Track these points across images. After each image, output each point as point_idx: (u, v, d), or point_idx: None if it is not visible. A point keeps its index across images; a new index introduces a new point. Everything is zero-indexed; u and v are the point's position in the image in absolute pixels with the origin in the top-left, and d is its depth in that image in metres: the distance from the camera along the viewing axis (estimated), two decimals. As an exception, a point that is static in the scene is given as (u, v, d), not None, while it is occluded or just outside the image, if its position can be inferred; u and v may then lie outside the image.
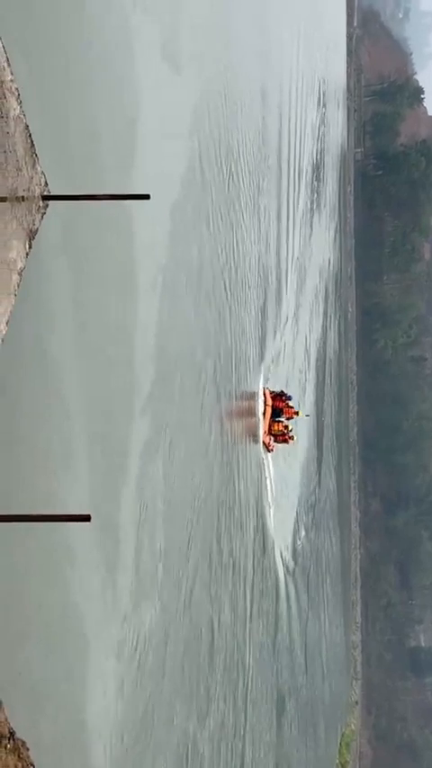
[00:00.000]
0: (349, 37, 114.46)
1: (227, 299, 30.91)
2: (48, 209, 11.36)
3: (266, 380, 41.23)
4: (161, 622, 20.25)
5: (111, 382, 16.78)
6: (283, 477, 46.26)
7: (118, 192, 14.76)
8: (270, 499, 39.93)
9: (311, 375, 62.06)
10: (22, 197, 10.83)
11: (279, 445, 42.06)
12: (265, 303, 40.94)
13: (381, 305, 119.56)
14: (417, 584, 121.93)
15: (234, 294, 32.44)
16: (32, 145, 11.02)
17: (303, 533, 52.18)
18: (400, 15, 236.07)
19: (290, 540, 47.09)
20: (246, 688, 31.82)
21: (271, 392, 40.33)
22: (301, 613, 49.67)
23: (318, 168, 70.63)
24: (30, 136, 10.97)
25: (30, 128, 10.90)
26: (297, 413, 42.20)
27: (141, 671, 18.61)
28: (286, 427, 40.99)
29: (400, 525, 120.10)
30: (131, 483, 18.11)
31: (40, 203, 11.22)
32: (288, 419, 41.24)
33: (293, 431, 42.49)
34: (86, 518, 10.00)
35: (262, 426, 38.96)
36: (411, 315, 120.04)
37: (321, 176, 73.52)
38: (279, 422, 40.46)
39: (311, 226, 64.65)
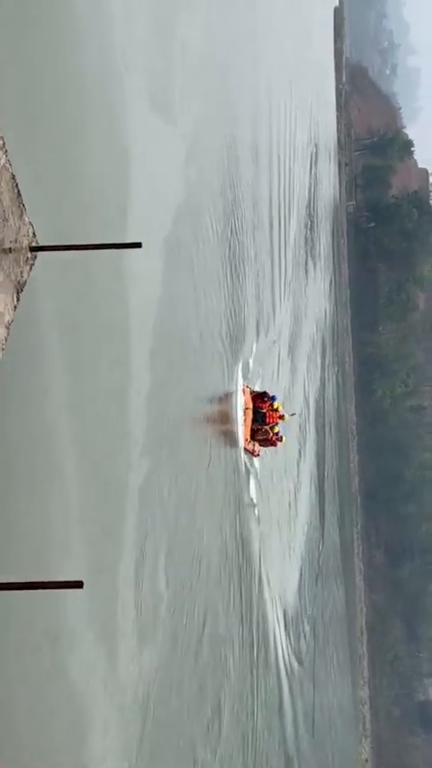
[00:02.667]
0: (339, 93, 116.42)
1: (223, 350, 30.69)
2: (36, 260, 11.09)
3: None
4: (160, 684, 19.59)
5: (103, 438, 16.38)
6: (283, 528, 45.52)
7: (109, 240, 14.54)
8: (266, 551, 38.75)
9: (311, 426, 61.71)
10: (10, 248, 10.57)
11: (268, 448, 37.18)
12: (260, 354, 40.71)
13: (378, 355, 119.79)
14: (424, 637, 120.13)
15: (231, 347, 32.32)
16: (19, 195, 10.79)
17: (307, 587, 51.30)
18: (388, 71, 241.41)
19: (292, 595, 46.21)
20: (251, 749, 30.85)
21: (252, 391, 35.43)
22: (307, 670, 48.59)
23: (311, 221, 71.16)
24: (16, 186, 10.74)
25: (16, 177, 10.68)
26: (282, 417, 36.55)
27: (144, 731, 17.92)
28: (272, 429, 35.77)
29: (404, 576, 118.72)
30: (128, 548, 17.61)
31: (28, 254, 10.95)
32: (272, 426, 35.97)
33: (282, 432, 37.26)
34: (79, 584, 9.44)
35: (242, 433, 33.93)
36: (409, 364, 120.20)
37: (314, 229, 74.07)
38: (262, 428, 35.18)
39: (306, 277, 64.91)
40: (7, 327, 10.34)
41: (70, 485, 14.29)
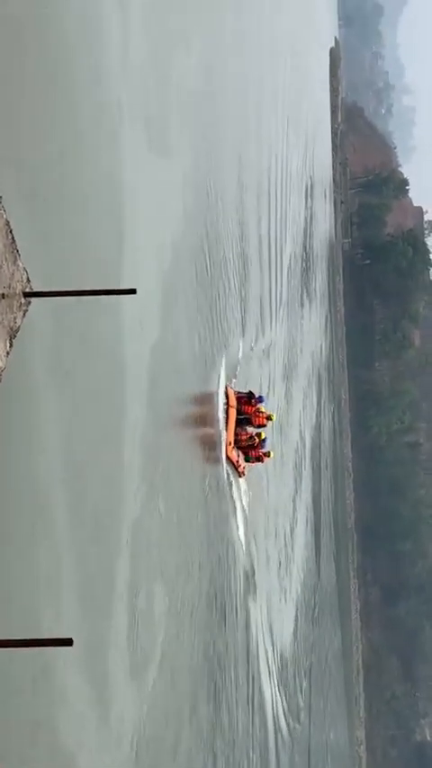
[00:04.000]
0: (334, 132, 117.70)
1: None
2: (30, 305, 11.09)
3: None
4: (154, 728, 19.30)
5: (94, 483, 16.27)
6: (278, 567, 45.20)
7: (104, 285, 14.56)
8: (261, 591, 38.25)
9: (307, 463, 61.57)
10: (3, 294, 10.58)
11: (255, 465, 34.32)
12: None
13: (374, 391, 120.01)
14: (421, 676, 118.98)
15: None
16: (13, 240, 10.81)
17: (302, 627, 50.86)
18: (383, 111, 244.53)
19: (288, 636, 45.78)
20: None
21: (236, 392, 32.00)
22: (302, 711, 48.02)
23: (307, 258, 71.61)
24: (11, 231, 10.78)
25: (11, 223, 10.72)
26: (270, 417, 33.12)
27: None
28: (258, 435, 32.61)
29: (401, 615, 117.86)
30: (118, 601, 17.42)
31: (22, 300, 10.95)
32: (259, 427, 32.58)
33: (269, 441, 34.63)
34: (68, 642, 9.25)
35: (224, 436, 30.69)
36: (404, 401, 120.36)
37: (310, 266, 74.50)
38: (247, 432, 32.06)
39: (302, 314, 65.17)
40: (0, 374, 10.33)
41: (60, 534, 14.16)
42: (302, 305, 65.84)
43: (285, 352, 53.44)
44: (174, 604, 21.47)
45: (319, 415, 73.11)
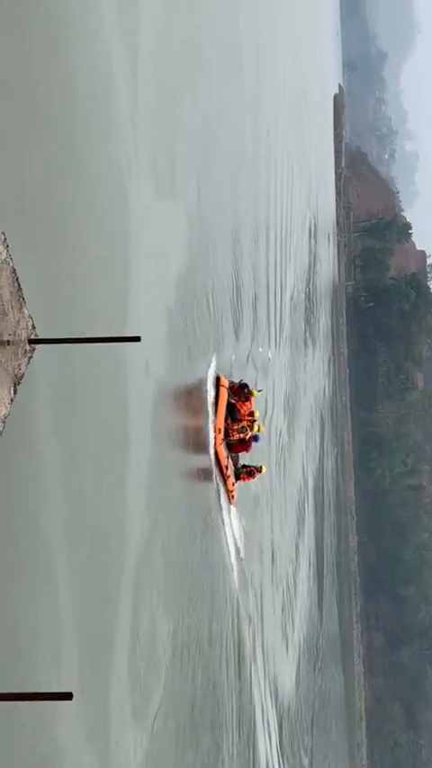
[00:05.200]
0: (338, 177, 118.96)
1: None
2: (35, 352, 11.14)
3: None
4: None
5: (95, 533, 16.19)
6: (280, 612, 44.80)
7: (108, 333, 14.65)
8: (262, 638, 37.76)
9: (310, 505, 61.30)
10: (8, 341, 10.62)
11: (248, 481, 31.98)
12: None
13: (377, 433, 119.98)
14: (424, 723, 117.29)
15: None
16: (19, 288, 10.89)
17: (304, 673, 50.27)
18: (387, 156, 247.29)
19: (289, 683, 45.22)
20: None
21: (230, 382, 29.84)
22: (304, 758, 47.28)
23: (310, 301, 71.99)
24: (17, 279, 10.85)
25: (17, 271, 10.81)
26: (253, 415, 30.23)
27: None
28: (251, 426, 29.75)
29: (404, 660, 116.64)
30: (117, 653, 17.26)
31: (27, 347, 10.99)
32: (251, 420, 29.77)
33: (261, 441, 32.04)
34: (68, 696, 9.11)
35: (212, 424, 28.20)
36: (408, 443, 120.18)
37: (314, 308, 74.88)
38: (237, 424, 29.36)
39: (306, 356, 65.34)
40: (3, 421, 10.33)
41: (60, 584, 14.07)
42: (306, 346, 66.04)
43: (288, 393, 53.47)
44: (171, 655, 21.25)
45: (322, 457, 72.94)
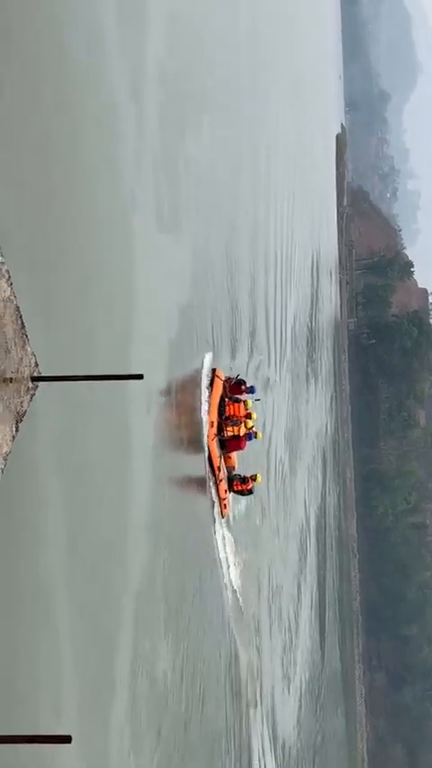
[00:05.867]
0: (340, 215, 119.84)
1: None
2: (37, 389, 11.15)
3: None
4: None
5: (96, 577, 16.08)
6: (281, 653, 44.34)
7: (110, 371, 14.68)
8: (261, 675, 37.15)
9: (312, 543, 60.94)
10: (11, 378, 10.65)
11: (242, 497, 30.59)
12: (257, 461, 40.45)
13: (379, 471, 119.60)
14: (426, 764, 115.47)
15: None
16: (23, 326, 10.94)
17: (305, 714, 49.61)
18: (388, 195, 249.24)
19: (291, 724, 44.62)
20: None
21: (227, 378, 28.52)
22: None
23: (313, 337, 72.18)
24: (20, 317, 10.91)
25: (20, 308, 10.86)
26: (250, 416, 28.79)
27: None
28: (248, 416, 28.24)
29: (407, 701, 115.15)
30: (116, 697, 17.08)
31: (29, 384, 11.01)
32: (236, 422, 27.94)
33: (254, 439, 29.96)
34: (67, 739, 9.01)
35: (206, 415, 26.82)
36: (410, 481, 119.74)
37: (316, 345, 75.05)
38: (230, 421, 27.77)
39: (308, 392, 65.34)
40: (5, 458, 10.31)
41: (60, 624, 13.96)
42: (308, 383, 66.09)
43: (291, 429, 53.39)
44: (170, 696, 21.00)
45: (324, 494, 72.65)
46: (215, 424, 27.29)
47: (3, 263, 10.63)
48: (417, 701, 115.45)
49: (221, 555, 29.52)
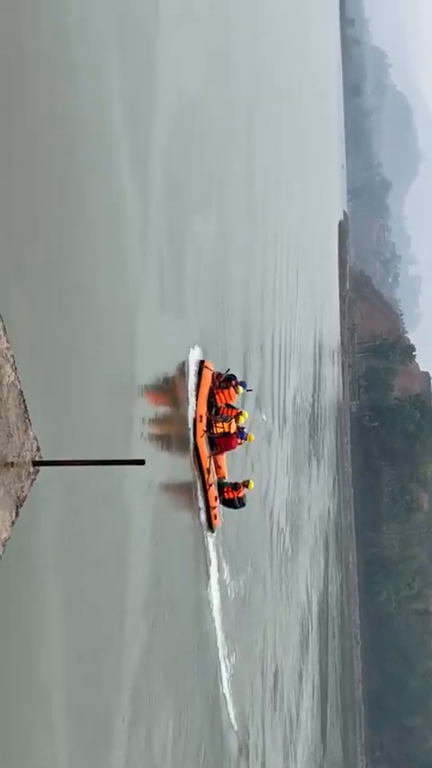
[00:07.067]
0: (343, 299, 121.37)
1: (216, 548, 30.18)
2: (38, 474, 11.13)
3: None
4: None
5: (92, 663, 15.81)
6: (283, 743, 43.12)
7: (113, 456, 14.70)
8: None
9: (314, 629, 59.90)
10: (12, 463, 10.64)
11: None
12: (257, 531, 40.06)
13: (382, 555, 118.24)
14: None
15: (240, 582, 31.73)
16: (26, 410, 10.98)
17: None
18: (390, 280, 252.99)
19: None
20: None
21: (217, 373, 26.52)
22: None
23: (315, 418, 72.25)
24: (23, 401, 10.95)
25: (24, 393, 10.93)
26: (241, 413, 26.68)
27: None
28: (237, 419, 26.16)
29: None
30: None
31: (31, 469, 10.99)
32: (226, 418, 25.88)
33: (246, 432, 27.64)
34: None
35: (193, 409, 24.79)
36: (413, 566, 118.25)
37: (319, 426, 75.08)
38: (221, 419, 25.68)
39: (310, 474, 65.06)
40: (3, 545, 10.23)
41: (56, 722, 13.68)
42: (310, 465, 65.89)
43: (293, 512, 53.00)
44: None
45: (326, 578, 71.70)
46: (204, 419, 24.97)
47: (8, 348, 10.74)
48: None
49: (219, 642, 28.91)
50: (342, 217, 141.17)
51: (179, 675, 22.90)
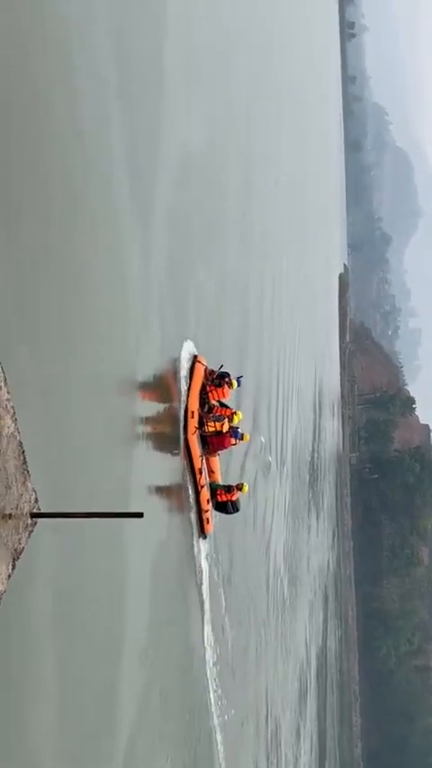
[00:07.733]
0: (343, 351, 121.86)
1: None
2: (35, 526, 11.05)
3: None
4: None
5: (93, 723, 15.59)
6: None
7: (111, 509, 14.62)
8: None
9: (312, 685, 59.02)
10: (10, 515, 10.56)
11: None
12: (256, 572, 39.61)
13: (381, 609, 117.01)
14: None
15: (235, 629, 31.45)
16: (25, 461, 10.94)
17: None
18: (390, 332, 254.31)
19: None
20: None
21: (210, 370, 25.10)
22: None
23: (315, 470, 72.02)
24: (23, 453, 10.92)
25: (23, 444, 10.90)
26: (235, 413, 25.44)
27: None
28: (232, 418, 25.00)
29: None
30: None
31: (29, 521, 10.92)
32: (219, 418, 24.73)
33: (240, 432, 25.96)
34: None
35: (184, 405, 23.67)
36: (413, 621, 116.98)
37: (318, 478, 74.81)
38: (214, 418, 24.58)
39: (309, 527, 64.65)
40: (-1, 598, 10.15)
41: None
42: (309, 515, 65.51)
43: (291, 564, 52.56)
44: None
45: (325, 633, 70.82)
46: (196, 415, 23.66)
47: (8, 399, 10.74)
48: None
49: (212, 702, 28.33)
50: (342, 269, 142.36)
51: (173, 726, 22.54)
